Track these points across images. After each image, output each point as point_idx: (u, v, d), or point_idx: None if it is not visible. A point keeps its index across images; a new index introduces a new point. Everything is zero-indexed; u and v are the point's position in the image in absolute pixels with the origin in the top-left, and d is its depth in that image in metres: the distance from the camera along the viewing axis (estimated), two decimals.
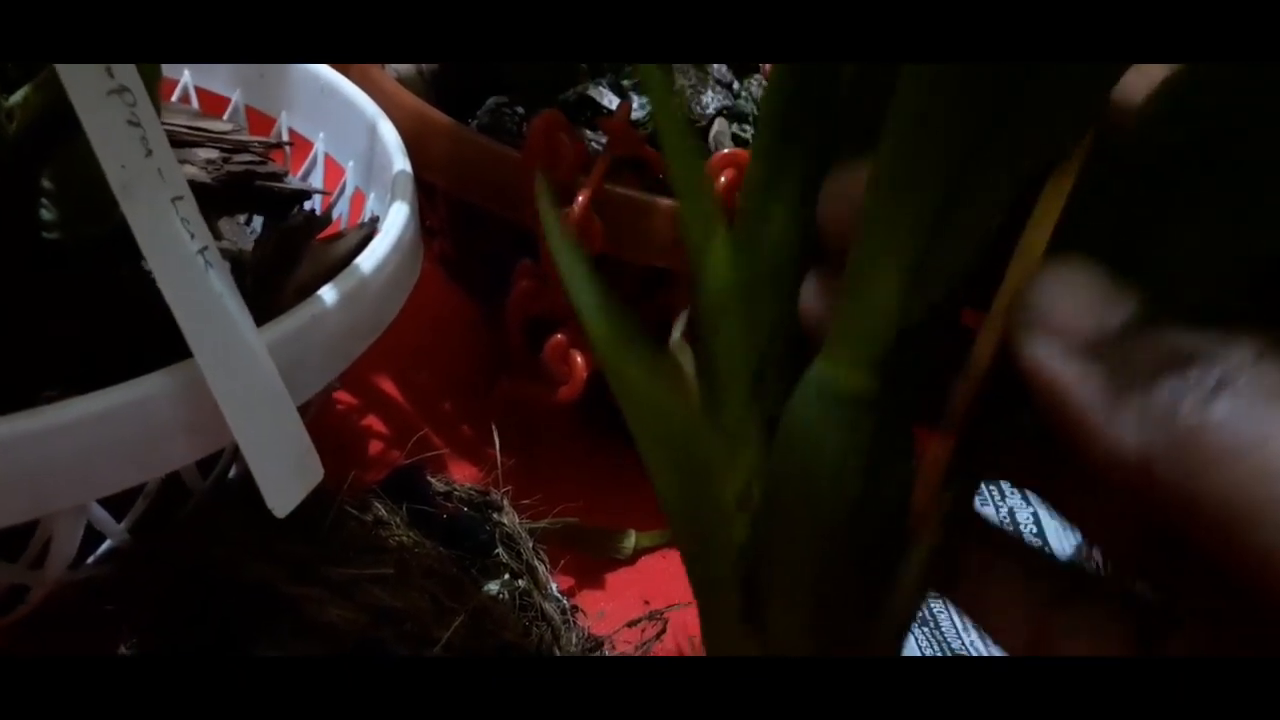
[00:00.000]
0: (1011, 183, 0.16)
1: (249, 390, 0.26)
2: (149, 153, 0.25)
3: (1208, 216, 0.16)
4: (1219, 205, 0.16)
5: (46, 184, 0.30)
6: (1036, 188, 0.16)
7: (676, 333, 0.20)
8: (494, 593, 0.33)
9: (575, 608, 0.35)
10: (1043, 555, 0.20)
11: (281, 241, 0.28)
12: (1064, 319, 0.15)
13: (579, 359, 0.39)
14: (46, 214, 0.30)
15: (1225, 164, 0.15)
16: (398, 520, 0.31)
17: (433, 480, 0.35)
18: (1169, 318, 0.14)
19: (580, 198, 0.35)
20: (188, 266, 0.25)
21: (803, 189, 0.19)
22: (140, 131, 0.24)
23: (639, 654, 0.35)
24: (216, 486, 0.30)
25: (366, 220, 0.35)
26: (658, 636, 0.36)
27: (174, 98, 0.46)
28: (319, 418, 0.48)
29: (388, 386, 0.50)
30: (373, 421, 0.48)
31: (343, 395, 0.49)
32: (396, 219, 0.33)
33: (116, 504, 0.29)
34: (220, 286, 0.26)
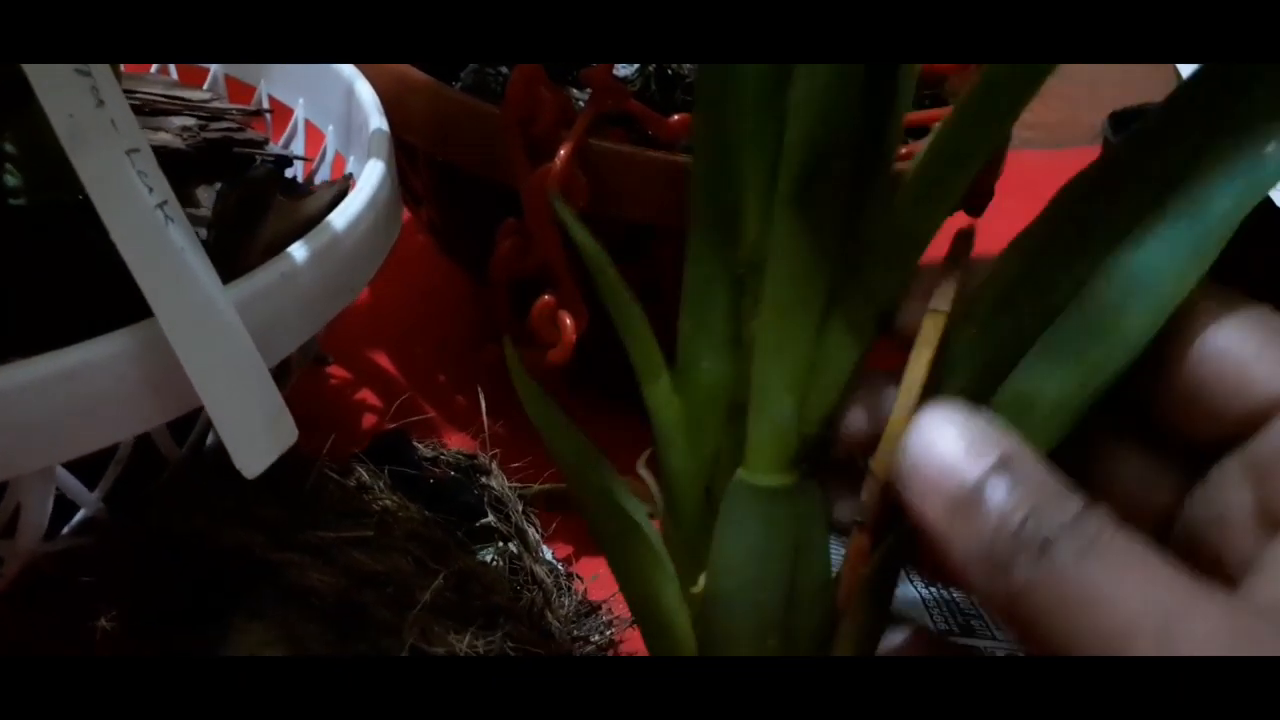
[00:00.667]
0: (870, 315, 0.21)
1: (214, 349, 0.25)
2: (100, 103, 0.24)
3: (1046, 360, 0.20)
4: (1055, 351, 0.20)
5: (8, 148, 0.29)
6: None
7: (642, 461, 0.23)
8: (487, 559, 0.32)
9: (570, 573, 0.34)
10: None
11: (244, 194, 0.27)
12: (937, 477, 0.18)
13: (568, 321, 0.38)
14: (11, 179, 0.29)
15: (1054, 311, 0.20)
16: (380, 485, 0.30)
17: (419, 446, 0.34)
18: (1018, 466, 0.17)
19: (562, 152, 0.34)
20: (145, 221, 0.24)
21: (728, 337, 0.22)
22: (90, 81, 0.24)
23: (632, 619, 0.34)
24: (193, 454, 0.30)
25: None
26: None
27: (153, 69, 0.45)
28: (310, 392, 0.47)
29: (381, 360, 0.49)
30: (366, 395, 0.47)
31: (336, 370, 0.48)
32: (372, 175, 0.32)
33: (89, 473, 0.28)
34: (181, 242, 0.25)
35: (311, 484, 0.29)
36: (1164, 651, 0.15)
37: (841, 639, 0.21)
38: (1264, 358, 0.18)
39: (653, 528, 0.23)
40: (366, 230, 0.31)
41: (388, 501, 0.29)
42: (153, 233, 0.24)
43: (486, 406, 0.36)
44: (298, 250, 0.28)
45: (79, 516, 0.28)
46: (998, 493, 0.17)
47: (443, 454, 0.33)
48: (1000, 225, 0.28)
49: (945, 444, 0.18)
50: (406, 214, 0.55)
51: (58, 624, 0.30)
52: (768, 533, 0.21)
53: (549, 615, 0.31)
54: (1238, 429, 0.19)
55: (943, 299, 0.20)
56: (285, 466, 0.29)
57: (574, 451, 0.23)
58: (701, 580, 0.22)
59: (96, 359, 0.24)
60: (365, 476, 0.30)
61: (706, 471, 0.22)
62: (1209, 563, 0.19)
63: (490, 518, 0.32)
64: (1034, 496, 0.17)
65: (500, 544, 0.33)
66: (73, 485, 0.27)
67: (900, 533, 0.20)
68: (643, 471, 0.24)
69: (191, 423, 0.29)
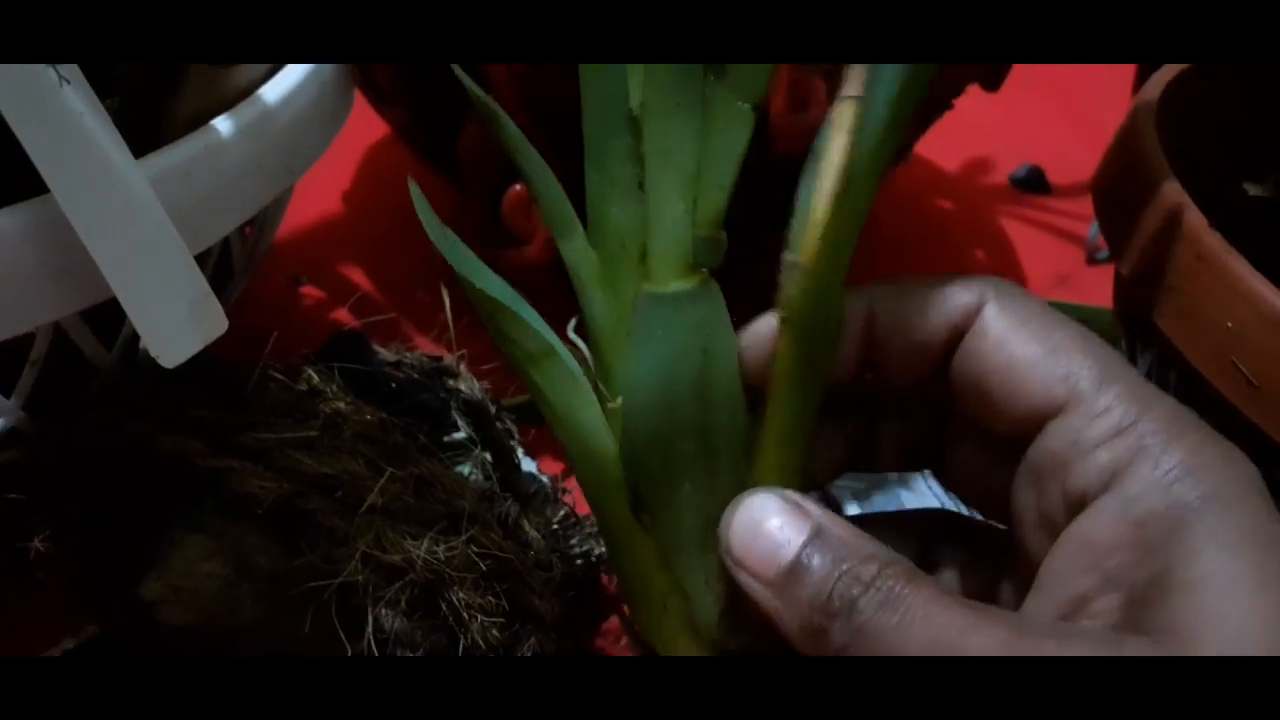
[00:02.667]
0: (746, 111, 0.21)
1: (124, 228, 0.22)
2: None
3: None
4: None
5: None
6: None
7: (571, 326, 0.23)
8: (464, 474, 0.29)
9: (558, 486, 0.32)
10: None
11: None
12: (758, 563, 0.20)
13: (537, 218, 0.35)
14: None
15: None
16: (333, 388, 0.27)
17: (382, 350, 0.31)
18: (826, 538, 0.19)
19: None
20: (33, 81, 0.21)
21: (632, 181, 0.22)
22: None
23: None
24: (124, 360, 0.27)
25: None
26: None
27: None
28: (284, 311, 0.44)
29: (357, 277, 0.46)
30: (343, 315, 0.44)
31: (310, 290, 0.45)
32: None
33: (7, 381, 0.25)
34: (79, 106, 0.22)
35: (253, 387, 0.26)
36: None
37: (767, 439, 0.21)
38: (1039, 369, 0.20)
39: (567, 351, 0.23)
40: (307, 106, 0.28)
41: (340, 404, 0.27)
42: (42, 95, 0.21)
43: (459, 311, 0.33)
44: (223, 123, 0.25)
45: None
46: (810, 566, 0.19)
47: (406, 357, 0.31)
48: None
49: (761, 536, 0.20)
50: (384, 128, 0.52)
51: None
52: (675, 336, 0.21)
53: (525, 524, 0.28)
54: (1019, 430, 0.21)
55: (854, 84, 0.20)
56: (226, 372, 0.27)
57: (489, 286, 0.22)
58: (619, 399, 0.22)
59: None
60: (316, 379, 0.27)
61: (628, 318, 0.22)
62: (1025, 557, 0.21)
63: (459, 422, 0.29)
64: (841, 562, 0.19)
65: (477, 454, 0.30)
66: None
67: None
68: (572, 336, 0.23)
69: (118, 326, 0.26)
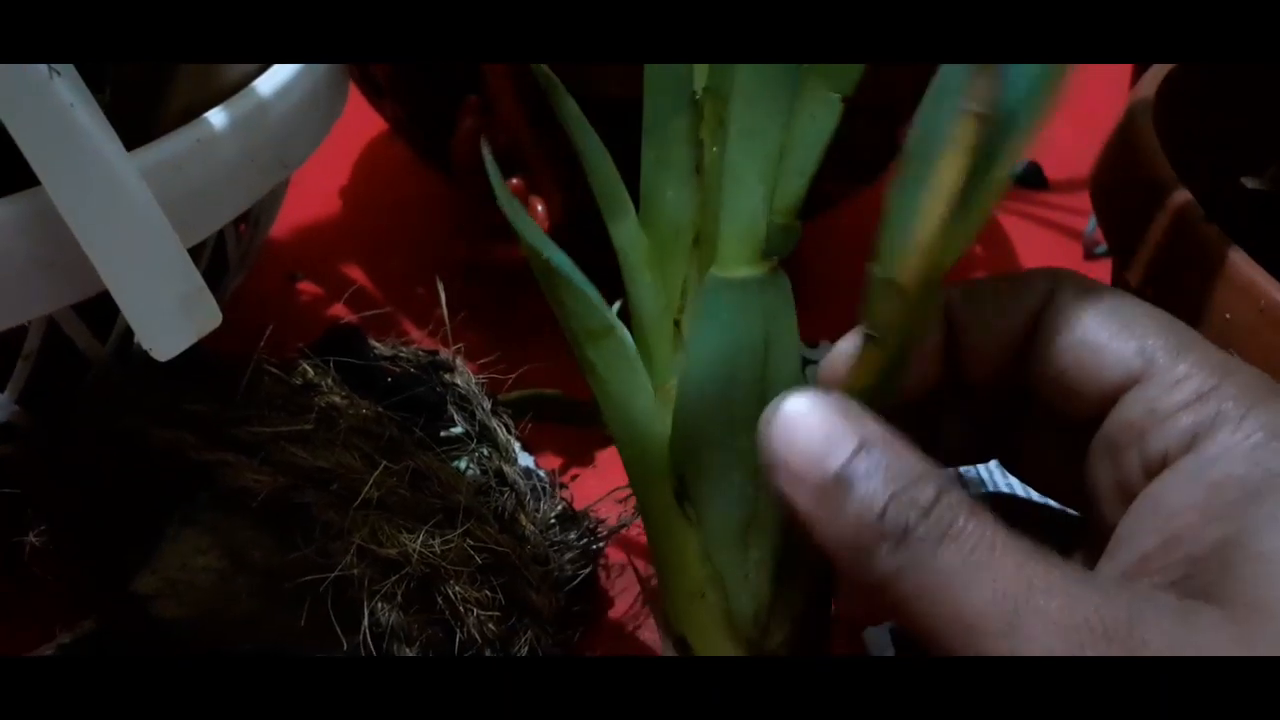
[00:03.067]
0: (835, 99, 0.20)
1: (115, 221, 0.22)
2: None
3: None
4: None
5: None
6: None
7: (614, 309, 0.22)
8: (461, 468, 0.29)
9: (556, 481, 0.32)
10: None
11: None
12: (800, 468, 0.18)
13: (540, 207, 0.35)
14: None
15: None
16: (328, 381, 0.27)
17: (378, 344, 0.31)
18: (876, 451, 0.18)
19: None
20: (23, 73, 0.21)
21: (689, 166, 0.22)
22: None
23: (619, 525, 0.31)
24: (119, 354, 0.27)
25: None
26: (637, 514, 0.32)
27: None
28: (280, 307, 0.44)
29: (353, 272, 0.46)
30: (339, 310, 0.44)
31: (307, 285, 0.45)
32: None
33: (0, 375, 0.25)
34: (70, 98, 0.22)
35: (247, 380, 0.26)
36: (1013, 637, 0.16)
37: None
38: (1113, 345, 0.20)
39: (625, 332, 0.22)
40: (301, 99, 0.28)
41: (335, 398, 0.26)
42: (33, 85, 0.21)
43: (455, 305, 0.33)
44: (216, 116, 0.25)
45: None
46: (858, 480, 0.18)
47: (402, 351, 0.30)
48: None
49: (806, 435, 0.18)
50: (381, 124, 0.52)
51: None
52: (740, 324, 0.20)
53: (522, 518, 0.28)
54: (1098, 409, 0.20)
55: (981, 99, 0.18)
56: (220, 366, 0.27)
57: (554, 257, 0.22)
58: (674, 382, 0.21)
59: None
60: (311, 373, 0.27)
61: (675, 305, 0.22)
62: (1099, 535, 0.20)
63: (455, 416, 0.29)
64: (893, 482, 0.17)
65: (473, 448, 0.30)
66: None
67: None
68: (615, 320, 0.23)
69: (111, 319, 0.26)
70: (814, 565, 0.21)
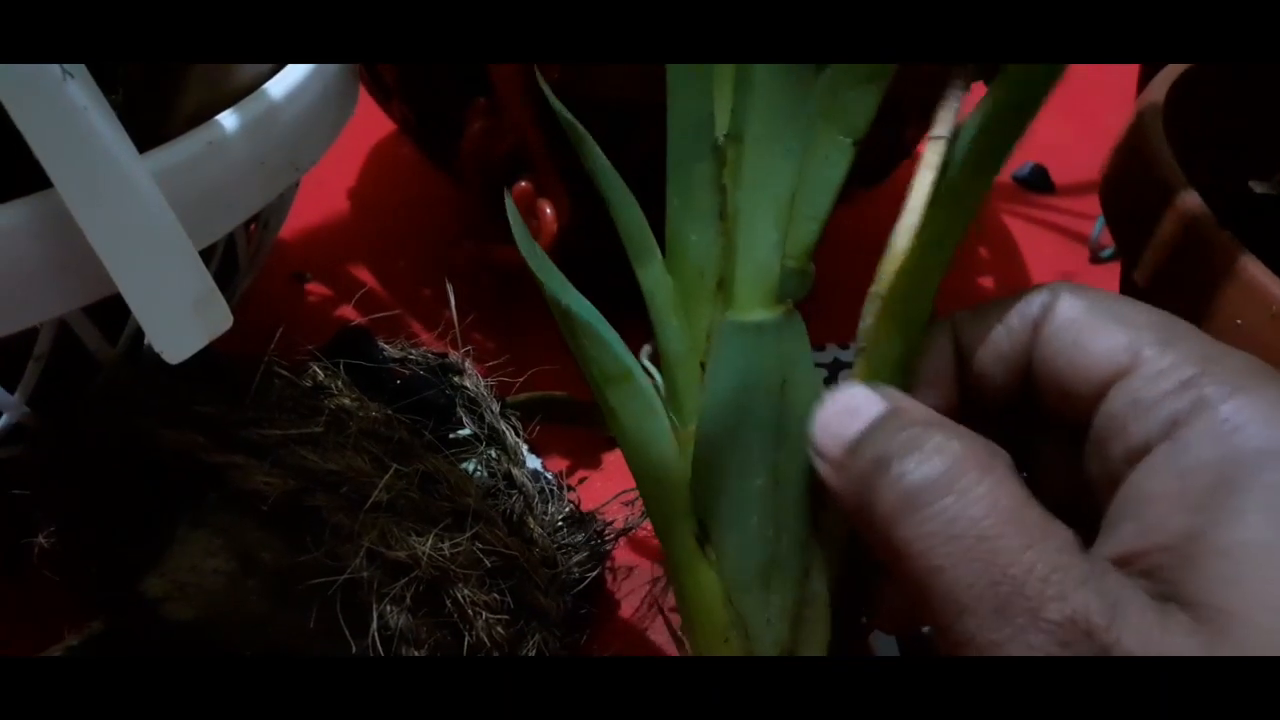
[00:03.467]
0: (846, 144, 0.21)
1: (127, 223, 0.22)
2: None
3: None
4: None
5: None
6: None
7: (644, 353, 0.23)
8: (469, 470, 0.29)
9: (563, 484, 0.32)
10: None
11: None
12: (829, 443, 0.20)
13: (548, 210, 0.34)
14: None
15: None
16: (338, 384, 0.27)
17: (387, 346, 0.31)
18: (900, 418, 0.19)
19: None
20: (36, 75, 0.21)
21: (713, 210, 0.22)
22: None
23: (626, 527, 0.31)
24: (129, 355, 0.27)
25: None
26: (645, 515, 0.32)
27: None
28: (289, 308, 0.44)
29: (362, 273, 0.46)
30: (348, 311, 0.44)
31: (315, 286, 0.45)
32: None
33: (9, 379, 0.25)
34: (84, 101, 0.22)
35: (258, 382, 0.26)
36: (1001, 627, 0.16)
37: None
38: (1102, 341, 0.20)
39: (643, 376, 0.22)
40: (312, 102, 0.28)
41: (345, 400, 0.26)
42: (46, 90, 0.21)
43: (465, 308, 0.33)
44: (228, 119, 0.25)
45: (2, 423, 0.26)
46: (876, 433, 0.19)
47: (411, 353, 0.30)
48: None
49: (840, 412, 0.20)
50: (390, 125, 0.52)
51: None
52: (755, 366, 0.21)
53: (530, 521, 0.28)
54: (1092, 407, 0.20)
55: (943, 125, 0.20)
56: (230, 367, 0.27)
57: (573, 303, 0.22)
58: (692, 425, 0.21)
59: None
60: (321, 375, 0.27)
61: (701, 348, 0.22)
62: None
63: (463, 419, 0.29)
64: (903, 429, 0.18)
65: (481, 450, 0.30)
66: None
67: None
68: (645, 363, 0.23)
69: (121, 321, 0.26)
70: (836, 609, 0.21)
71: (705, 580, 0.21)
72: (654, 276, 0.22)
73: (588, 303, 0.22)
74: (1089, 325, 0.20)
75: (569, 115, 0.23)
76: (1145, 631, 0.16)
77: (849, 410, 0.20)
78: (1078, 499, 0.21)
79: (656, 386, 0.23)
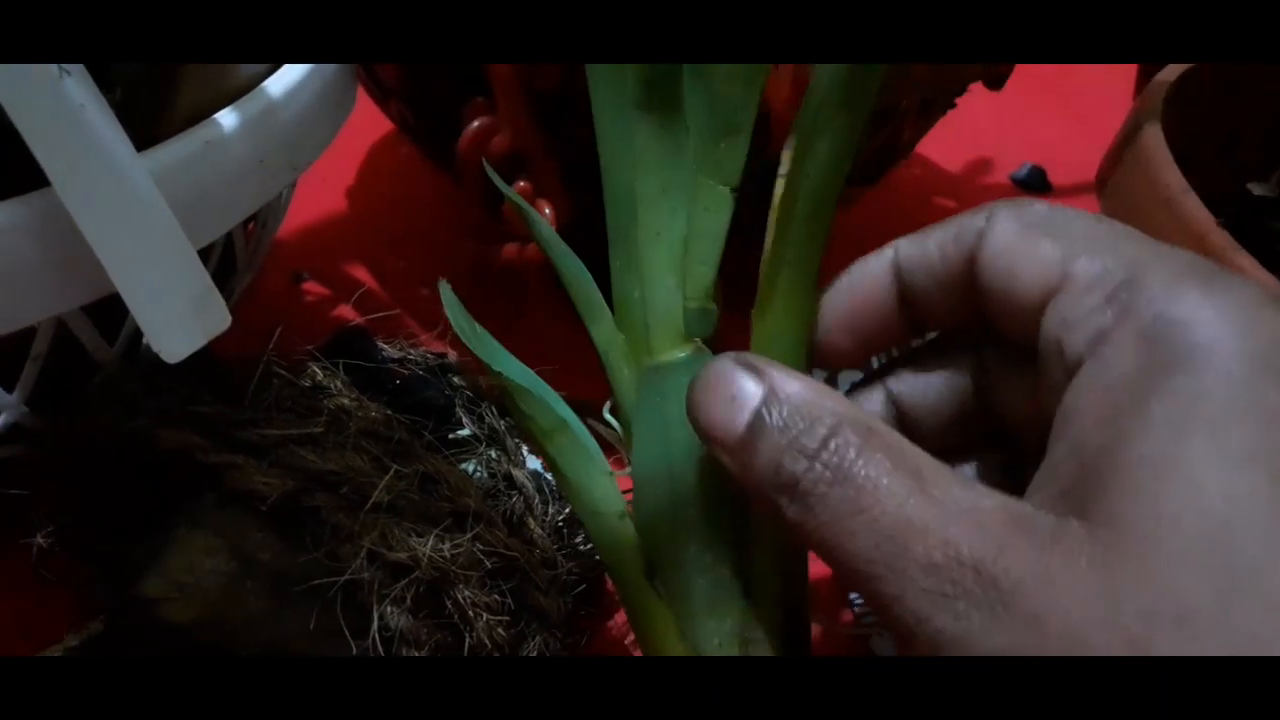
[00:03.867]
0: (725, 190, 0.22)
1: (125, 222, 0.22)
2: None
3: None
4: None
5: None
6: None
7: (606, 408, 0.24)
8: (469, 471, 0.29)
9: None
10: None
11: None
12: (720, 435, 0.19)
13: (548, 210, 0.34)
14: None
15: None
16: (337, 383, 0.27)
17: (386, 346, 0.31)
18: (776, 401, 0.18)
19: None
20: (33, 73, 0.21)
21: None
22: None
23: None
24: (127, 355, 0.27)
25: None
26: None
27: None
28: (285, 306, 0.44)
29: (360, 273, 0.46)
30: (345, 311, 0.44)
31: (312, 286, 0.45)
32: None
33: (7, 379, 0.25)
34: (81, 98, 0.22)
35: (256, 382, 0.26)
36: (895, 581, 0.16)
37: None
38: (1032, 260, 0.19)
39: (579, 426, 0.23)
40: (310, 101, 0.28)
41: (344, 400, 0.26)
42: (43, 86, 0.21)
43: (465, 306, 0.33)
44: (226, 118, 0.25)
45: (0, 422, 0.25)
46: (765, 428, 0.18)
47: (410, 353, 0.30)
48: None
49: (720, 393, 0.19)
50: (387, 125, 0.52)
51: None
52: (672, 405, 0.21)
53: (530, 522, 0.28)
54: (1031, 330, 0.19)
55: (784, 163, 0.21)
56: (229, 367, 0.27)
57: (506, 367, 0.24)
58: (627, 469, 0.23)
59: None
60: (320, 375, 0.27)
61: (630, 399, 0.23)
62: None
63: (463, 419, 0.29)
64: (790, 429, 0.18)
65: (481, 450, 0.30)
66: None
67: None
68: (607, 416, 0.24)
69: (120, 321, 0.26)
70: (783, 628, 0.22)
71: (658, 615, 0.22)
72: (606, 333, 0.23)
73: (520, 365, 0.24)
74: (1021, 246, 0.19)
75: (508, 189, 0.25)
76: (1035, 554, 0.16)
77: (728, 391, 0.19)
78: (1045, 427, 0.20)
79: (619, 436, 0.24)
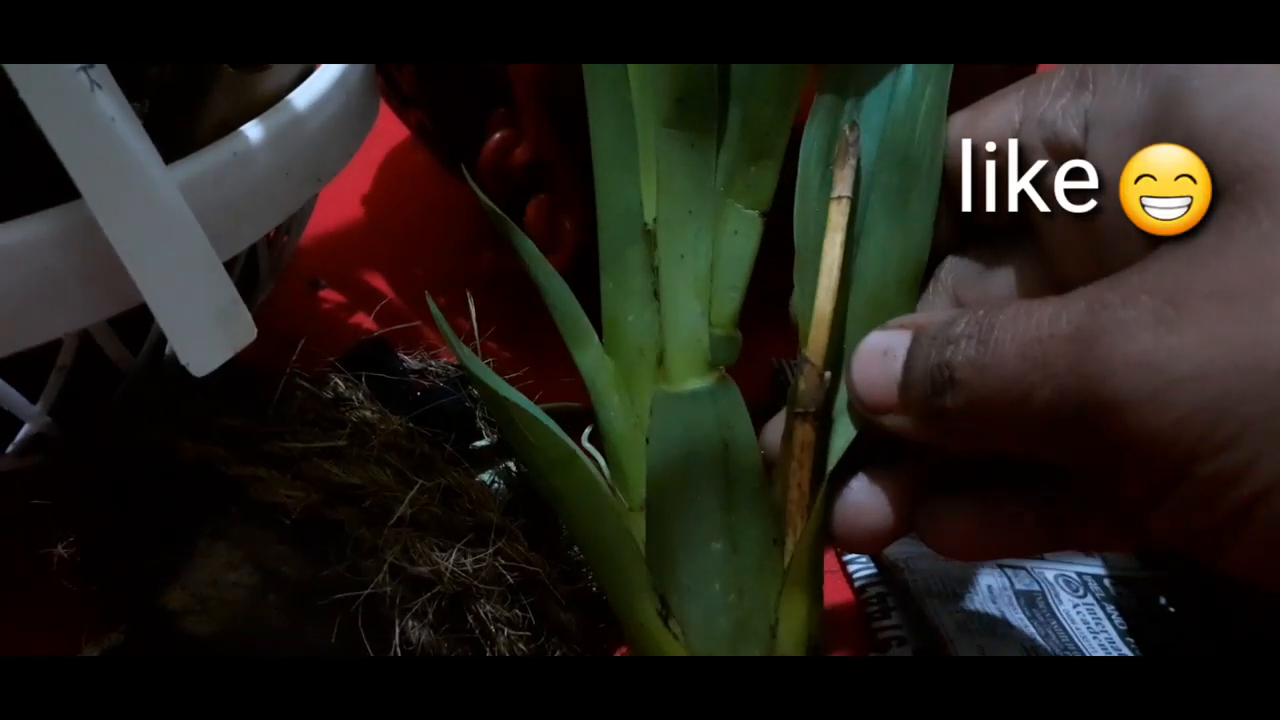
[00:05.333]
0: (756, 213, 0.22)
1: (154, 234, 0.22)
2: None
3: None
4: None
5: None
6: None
7: (585, 436, 0.24)
8: (487, 481, 0.29)
9: None
10: None
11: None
12: (880, 397, 0.20)
13: (567, 224, 0.34)
14: None
15: None
16: (359, 395, 0.27)
17: (406, 357, 0.31)
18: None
19: None
20: (65, 85, 0.21)
21: (646, 290, 0.23)
22: None
23: None
24: (150, 365, 0.27)
25: None
26: None
27: None
28: (303, 314, 0.44)
29: (377, 282, 0.46)
30: (363, 320, 0.44)
31: (330, 294, 0.45)
32: None
33: (32, 386, 0.25)
34: (111, 111, 0.22)
35: (280, 394, 0.26)
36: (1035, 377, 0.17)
37: (800, 542, 0.21)
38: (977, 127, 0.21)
39: (585, 459, 0.23)
40: (335, 112, 0.28)
41: (366, 412, 0.26)
42: (75, 100, 0.21)
43: (483, 318, 0.33)
44: (253, 129, 0.25)
45: (23, 433, 0.26)
46: (915, 361, 0.19)
47: (431, 365, 0.30)
48: None
49: (874, 362, 0.20)
50: (405, 132, 0.52)
51: (9, 551, 0.27)
52: (695, 433, 0.21)
53: (550, 535, 0.28)
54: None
55: (844, 185, 0.21)
56: (252, 378, 0.27)
57: (510, 394, 0.23)
58: (641, 502, 0.22)
59: (15, 245, 0.21)
60: (342, 387, 0.27)
61: (645, 423, 0.22)
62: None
63: (483, 430, 0.29)
64: (934, 342, 0.19)
65: (500, 464, 0.30)
66: (11, 397, 0.24)
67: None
68: (586, 444, 0.24)
69: (144, 331, 0.26)
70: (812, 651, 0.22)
71: (672, 655, 0.21)
72: (593, 359, 0.23)
73: (524, 397, 0.24)
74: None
75: (491, 204, 0.25)
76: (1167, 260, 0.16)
77: (880, 353, 0.20)
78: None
79: (600, 468, 0.23)
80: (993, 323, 0.18)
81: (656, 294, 0.22)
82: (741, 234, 0.22)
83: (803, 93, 0.22)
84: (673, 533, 0.21)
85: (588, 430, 0.24)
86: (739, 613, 0.21)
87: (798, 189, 0.22)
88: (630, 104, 0.23)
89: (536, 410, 0.23)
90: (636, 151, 0.23)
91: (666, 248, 0.22)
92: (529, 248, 0.24)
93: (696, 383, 0.22)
